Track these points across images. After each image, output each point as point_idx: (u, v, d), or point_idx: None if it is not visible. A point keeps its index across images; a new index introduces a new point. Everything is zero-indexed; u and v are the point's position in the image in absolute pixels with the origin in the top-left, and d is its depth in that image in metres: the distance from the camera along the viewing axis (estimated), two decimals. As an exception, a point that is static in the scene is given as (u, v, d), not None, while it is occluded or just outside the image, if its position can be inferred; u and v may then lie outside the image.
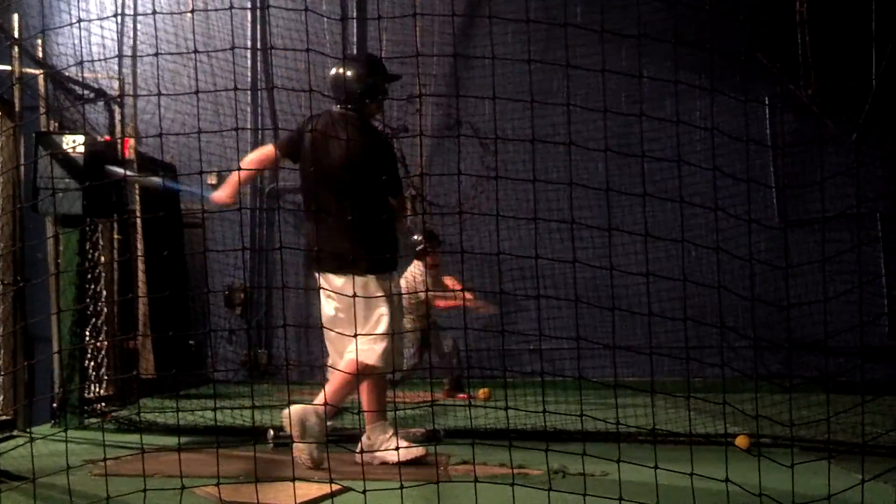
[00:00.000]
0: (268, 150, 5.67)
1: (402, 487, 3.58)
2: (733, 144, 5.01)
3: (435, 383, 9.55)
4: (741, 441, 5.52)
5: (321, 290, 5.27)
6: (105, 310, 7.88)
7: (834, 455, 4.69)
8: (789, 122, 10.50)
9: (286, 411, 5.00)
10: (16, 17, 6.71)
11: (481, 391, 8.89)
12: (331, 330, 5.25)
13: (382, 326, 5.26)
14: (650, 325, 4.70)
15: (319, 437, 4.99)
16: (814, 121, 9.30)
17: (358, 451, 5.13)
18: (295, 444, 4.87)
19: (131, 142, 8.29)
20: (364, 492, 3.59)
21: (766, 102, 10.56)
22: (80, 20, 9.27)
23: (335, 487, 4.18)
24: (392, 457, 4.95)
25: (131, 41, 11.44)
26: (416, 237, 9.58)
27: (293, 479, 3.86)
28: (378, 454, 5.14)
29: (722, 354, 7.14)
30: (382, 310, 5.30)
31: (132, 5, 11.23)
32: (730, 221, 4.69)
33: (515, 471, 4.42)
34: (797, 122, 10.32)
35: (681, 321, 4.42)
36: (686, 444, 4.71)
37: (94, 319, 7.79)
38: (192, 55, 4.64)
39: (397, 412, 6.74)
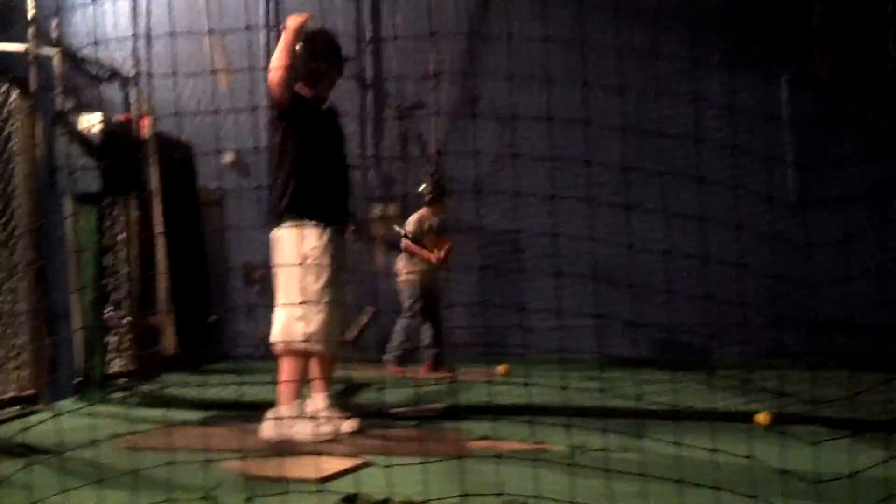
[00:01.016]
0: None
1: (424, 462, 3.61)
2: (750, 122, 5.00)
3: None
4: (762, 418, 5.52)
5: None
6: (125, 287, 7.92)
7: (857, 433, 4.70)
8: (807, 101, 10.45)
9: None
10: (30, -4, 6.72)
11: (501, 367, 8.91)
12: None
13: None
14: (669, 303, 4.73)
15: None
16: (832, 99, 9.26)
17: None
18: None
19: (148, 120, 8.30)
20: (387, 466, 3.62)
21: (784, 80, 10.51)
22: (94, 0, 9.28)
23: (358, 462, 4.21)
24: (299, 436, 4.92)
25: (145, 21, 11.45)
26: (423, 186, 9.68)
27: (317, 454, 3.90)
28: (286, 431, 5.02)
29: (744, 332, 7.13)
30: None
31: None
32: (749, 200, 4.70)
33: (536, 446, 4.44)
34: (815, 100, 10.26)
35: (701, 299, 4.44)
36: (707, 421, 4.72)
37: (114, 296, 7.83)
38: (206, 34, 4.64)
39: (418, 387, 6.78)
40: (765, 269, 4.72)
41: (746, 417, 5.37)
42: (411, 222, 9.52)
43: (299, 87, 5.44)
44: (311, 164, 5.26)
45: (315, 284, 5.06)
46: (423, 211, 9.56)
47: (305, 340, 5.00)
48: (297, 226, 5.15)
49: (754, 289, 6.66)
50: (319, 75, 5.47)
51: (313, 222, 5.15)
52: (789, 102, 10.49)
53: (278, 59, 5.18)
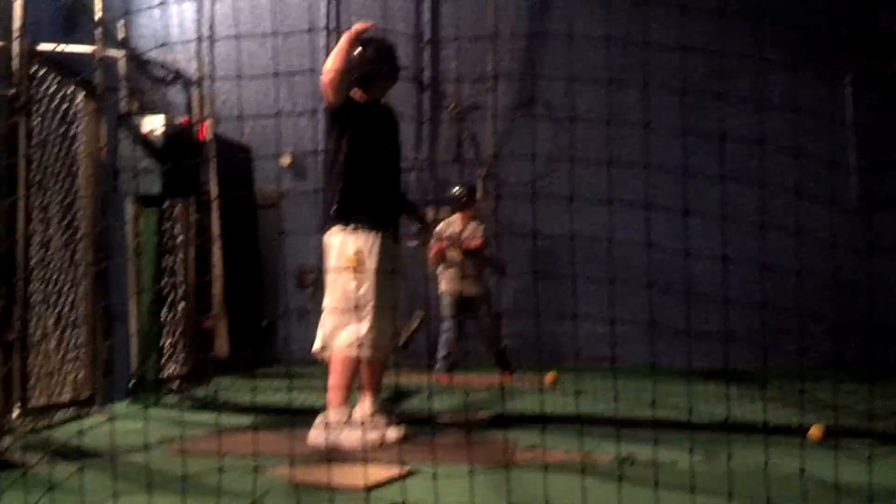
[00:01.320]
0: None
1: (470, 471, 3.59)
2: (814, 124, 4.89)
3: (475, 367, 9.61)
4: (815, 432, 5.40)
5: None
6: (181, 290, 8.01)
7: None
8: (872, 101, 10.21)
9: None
10: (98, -1, 6.81)
11: (549, 375, 8.86)
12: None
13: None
14: (725, 311, 4.64)
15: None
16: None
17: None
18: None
19: (209, 123, 8.39)
20: (434, 475, 3.61)
21: (849, 81, 10.29)
22: (161, 2, 9.40)
23: (404, 470, 4.20)
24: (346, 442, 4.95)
25: (209, 23, 11.57)
26: (456, 189, 9.69)
27: (365, 462, 3.90)
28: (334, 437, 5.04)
29: (800, 342, 6.99)
30: None
31: (211, -13, 11.36)
32: (809, 204, 4.59)
33: (584, 457, 4.39)
34: (881, 100, 10.03)
35: (758, 306, 4.35)
36: (760, 433, 4.63)
37: (170, 298, 7.92)
38: (269, 37, 4.68)
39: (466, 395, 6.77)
40: (824, 276, 4.62)
41: (800, 430, 5.26)
42: (439, 228, 9.54)
43: (353, 92, 5.46)
44: (362, 168, 5.28)
45: (360, 290, 5.07)
46: (456, 216, 9.57)
47: (350, 347, 5.03)
48: (345, 231, 5.18)
49: (813, 296, 6.53)
50: (373, 79, 5.49)
51: (362, 227, 5.17)
52: (853, 104, 10.27)
53: (332, 63, 5.21)
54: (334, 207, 5.24)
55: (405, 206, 5.81)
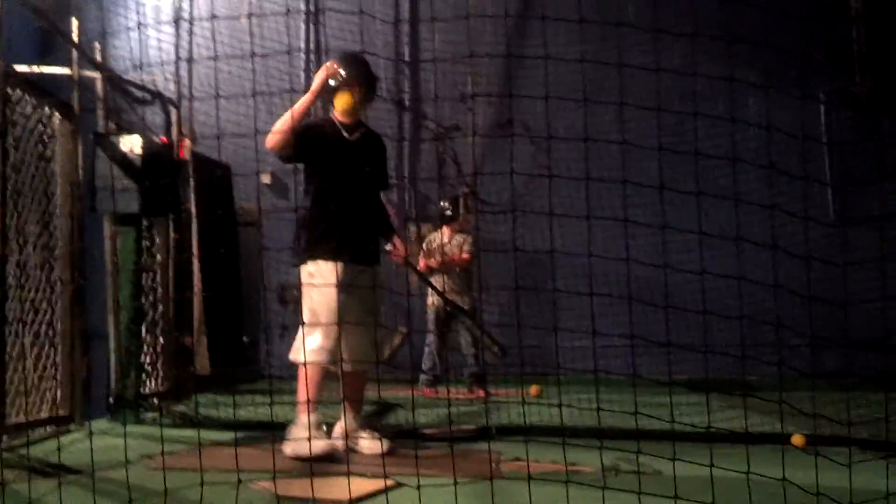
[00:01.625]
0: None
1: (455, 483, 3.59)
2: (788, 141, 4.95)
3: (461, 381, 9.62)
4: (797, 440, 5.45)
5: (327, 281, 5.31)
6: (160, 307, 7.98)
7: (892, 454, 4.62)
8: (845, 119, 10.36)
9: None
10: (75, 21, 6.81)
11: (533, 387, 8.88)
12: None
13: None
14: (705, 323, 4.67)
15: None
16: (870, 117, 9.16)
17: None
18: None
19: (187, 143, 8.39)
20: (418, 487, 3.60)
21: (822, 99, 10.43)
22: (139, 24, 9.41)
23: (389, 483, 4.20)
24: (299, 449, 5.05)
25: (187, 44, 11.59)
26: (443, 203, 9.76)
27: (348, 474, 3.89)
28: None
29: (779, 353, 7.03)
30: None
31: (188, 9, 11.38)
32: (786, 219, 4.65)
33: (568, 468, 4.40)
34: (853, 118, 10.17)
35: (736, 319, 4.38)
36: (742, 442, 4.66)
37: (149, 316, 7.88)
38: (247, 57, 4.71)
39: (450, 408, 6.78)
40: (801, 289, 4.67)
41: (780, 439, 5.31)
42: (427, 240, 9.65)
43: (333, 114, 5.55)
44: (329, 201, 5.41)
45: (325, 317, 5.25)
46: (443, 230, 9.64)
47: (310, 354, 5.20)
48: (312, 264, 5.40)
49: (790, 309, 6.57)
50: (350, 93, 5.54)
51: (327, 262, 5.35)
52: (827, 120, 10.41)
53: (280, 124, 5.32)
54: (302, 242, 5.50)
55: (383, 229, 5.82)
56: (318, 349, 5.27)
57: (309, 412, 5.27)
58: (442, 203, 9.88)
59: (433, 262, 9.42)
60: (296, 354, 5.30)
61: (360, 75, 5.64)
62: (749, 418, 5.75)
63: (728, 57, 4.54)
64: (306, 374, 5.31)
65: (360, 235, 5.47)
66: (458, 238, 9.56)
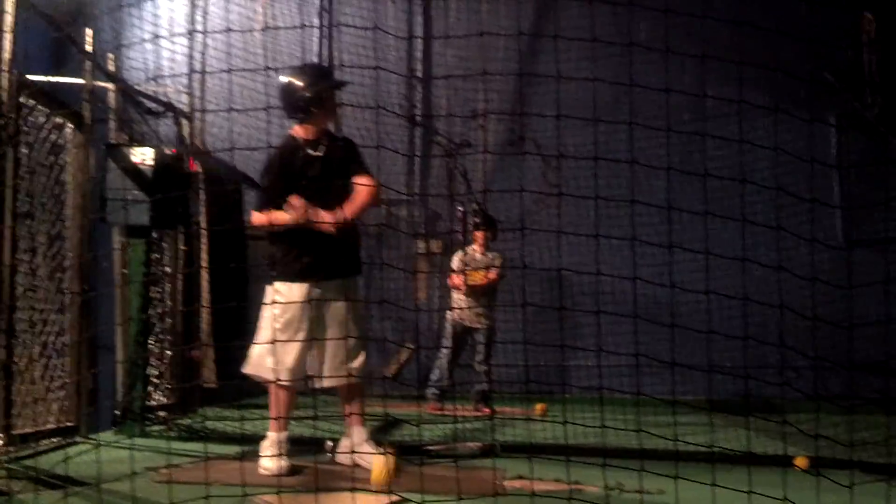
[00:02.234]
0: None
1: (459, 500, 3.60)
2: (797, 164, 4.95)
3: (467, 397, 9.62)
4: (801, 462, 5.44)
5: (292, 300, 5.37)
6: (169, 320, 8.00)
7: (894, 477, 4.61)
8: (855, 142, 10.36)
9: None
10: (89, 32, 6.86)
11: (538, 406, 8.88)
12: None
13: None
14: (709, 344, 4.68)
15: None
16: (880, 140, 9.16)
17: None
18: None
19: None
20: (422, 503, 3.62)
21: (832, 122, 10.43)
22: (155, 36, 9.47)
23: (393, 499, 4.21)
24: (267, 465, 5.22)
25: (201, 56, 11.64)
26: (472, 218, 9.76)
27: (352, 490, 3.90)
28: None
29: (782, 374, 7.05)
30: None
31: (202, 21, 11.43)
32: (793, 241, 4.66)
33: (572, 486, 4.41)
34: (863, 141, 10.17)
35: (741, 340, 4.39)
36: (744, 463, 4.66)
37: (157, 329, 7.92)
38: (261, 70, 4.74)
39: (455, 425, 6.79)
40: (806, 311, 4.67)
41: (783, 460, 5.30)
42: (456, 259, 9.59)
43: (294, 130, 5.54)
44: (289, 231, 5.44)
45: (283, 337, 5.29)
46: (471, 248, 9.62)
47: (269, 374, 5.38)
48: (278, 284, 5.47)
49: (795, 331, 6.59)
50: (313, 111, 5.52)
51: (291, 283, 5.42)
52: (837, 143, 10.41)
53: (258, 219, 5.53)
54: (268, 263, 5.59)
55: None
56: (279, 368, 5.33)
57: (276, 430, 5.41)
58: (470, 217, 9.86)
59: (468, 281, 9.38)
60: (246, 366, 5.54)
61: (328, 103, 5.63)
62: (752, 439, 5.75)
63: (738, 78, 4.56)
64: (273, 393, 5.48)
65: (328, 251, 5.45)
66: (488, 256, 9.51)
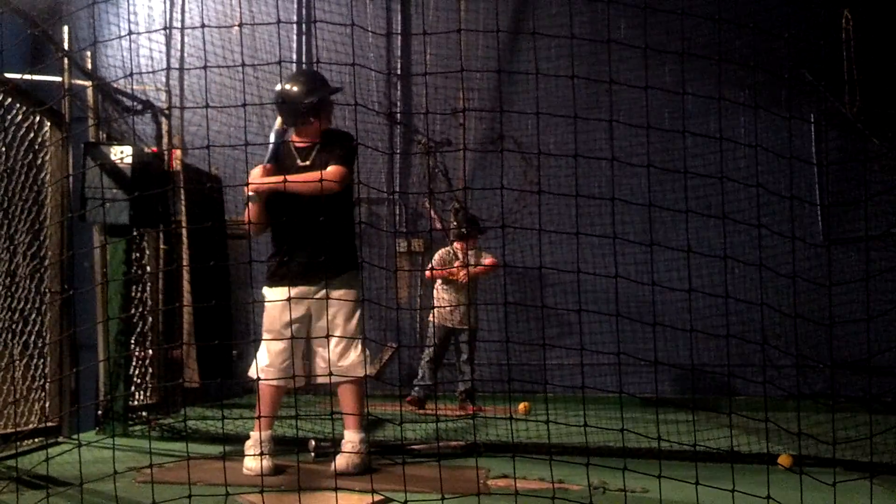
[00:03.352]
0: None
1: (442, 500, 3.60)
2: (777, 161, 4.98)
3: (449, 396, 9.66)
4: (784, 460, 5.48)
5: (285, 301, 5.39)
6: (150, 319, 7.97)
7: (876, 475, 4.65)
8: (834, 140, 10.43)
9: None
10: (66, 28, 6.81)
11: (521, 405, 8.91)
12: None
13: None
14: (692, 342, 4.70)
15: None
16: (859, 138, 9.23)
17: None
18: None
19: (178, 153, 8.38)
20: (405, 503, 3.61)
21: (811, 120, 10.51)
22: (129, 33, 9.40)
23: (376, 498, 4.21)
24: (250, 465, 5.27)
25: (179, 53, 11.59)
26: (453, 222, 9.76)
27: (335, 490, 3.90)
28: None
29: (764, 372, 7.08)
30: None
31: (180, 19, 11.38)
32: (773, 239, 4.68)
33: (555, 485, 4.42)
34: (842, 139, 10.24)
35: (723, 338, 4.41)
36: (728, 461, 4.69)
37: (139, 328, 7.89)
38: (239, 68, 4.72)
39: (438, 424, 6.79)
40: (787, 309, 4.70)
41: (766, 459, 5.33)
42: (437, 256, 9.61)
43: (292, 136, 5.57)
44: (281, 228, 5.55)
45: (269, 339, 5.50)
46: (455, 245, 9.62)
47: (261, 374, 5.45)
48: (266, 290, 5.60)
49: (777, 328, 6.66)
50: (310, 119, 5.54)
51: (276, 288, 5.49)
52: (817, 141, 10.49)
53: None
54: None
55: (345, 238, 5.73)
56: (264, 367, 5.46)
57: (260, 429, 5.41)
58: (453, 222, 9.86)
59: (458, 275, 9.40)
60: (250, 371, 5.58)
61: (325, 111, 5.65)
62: (735, 437, 5.78)
63: (718, 76, 4.58)
64: (258, 392, 5.51)
65: (306, 254, 5.47)
66: (472, 253, 9.53)
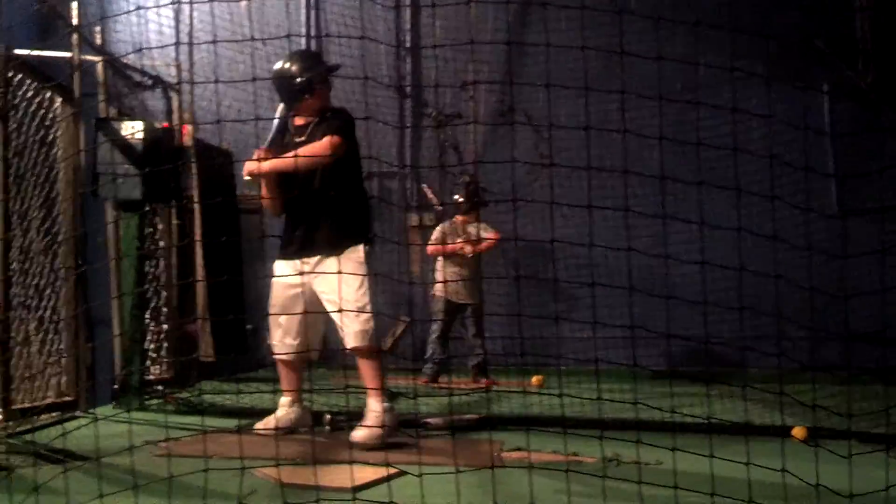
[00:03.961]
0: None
1: (457, 472, 3.61)
2: (791, 133, 4.95)
3: (463, 370, 9.69)
4: (798, 432, 5.48)
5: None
6: (164, 293, 8.00)
7: (892, 447, 4.65)
8: (848, 111, 10.36)
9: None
10: (75, 4, 6.79)
11: (535, 378, 8.93)
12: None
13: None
14: (705, 315, 4.68)
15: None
16: (873, 109, 9.18)
17: None
18: None
19: (189, 128, 8.37)
20: (420, 475, 3.63)
21: (825, 90, 10.44)
22: (138, 8, 9.38)
23: (391, 471, 4.23)
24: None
25: (188, 28, 11.56)
26: (457, 197, 9.75)
27: (350, 462, 3.92)
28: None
29: (779, 344, 7.07)
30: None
31: (189, -6, 11.34)
32: (787, 210, 4.66)
33: (569, 458, 4.44)
34: (856, 110, 10.18)
35: (737, 311, 4.40)
36: (742, 434, 4.70)
37: (153, 303, 7.91)
38: (248, 42, 4.71)
39: (451, 398, 6.80)
40: (802, 281, 4.69)
41: (780, 431, 5.34)
42: (437, 230, 9.62)
43: (294, 120, 5.61)
44: (286, 205, 5.76)
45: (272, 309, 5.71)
46: (456, 219, 9.62)
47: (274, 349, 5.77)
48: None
49: (791, 301, 6.61)
50: (306, 98, 5.56)
51: (278, 261, 5.74)
52: (831, 112, 10.43)
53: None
54: None
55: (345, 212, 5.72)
56: (272, 343, 5.81)
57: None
58: (456, 196, 9.85)
59: (462, 248, 9.40)
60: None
61: (320, 89, 5.68)
62: (749, 410, 5.79)
63: (731, 47, 4.55)
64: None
65: (307, 227, 5.59)
66: (474, 227, 9.53)
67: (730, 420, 5.50)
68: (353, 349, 5.42)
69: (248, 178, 5.63)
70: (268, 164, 5.47)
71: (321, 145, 5.37)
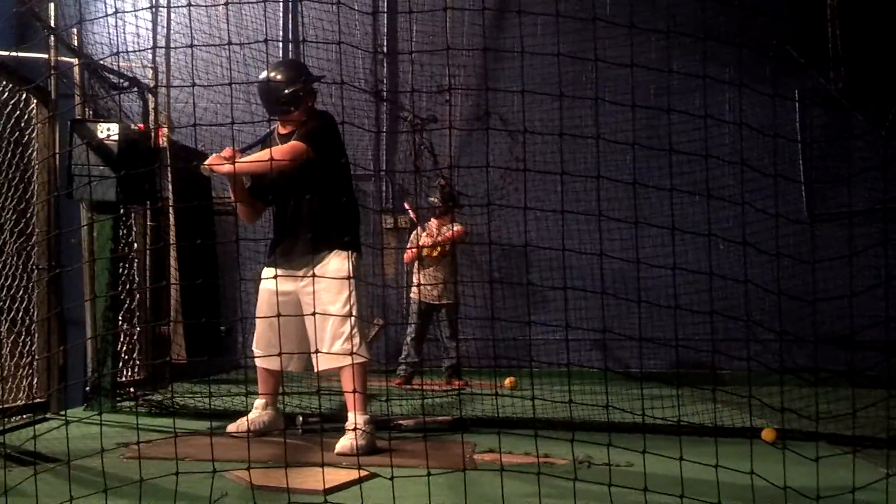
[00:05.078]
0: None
1: (429, 474, 3.63)
2: (762, 138, 4.99)
3: (436, 372, 9.71)
4: (767, 434, 5.53)
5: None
6: (138, 295, 7.98)
7: (859, 449, 4.70)
8: (819, 116, 10.47)
9: None
10: (52, 6, 6.78)
11: (508, 380, 8.95)
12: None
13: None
14: (676, 318, 4.73)
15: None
16: (843, 115, 9.26)
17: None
18: None
19: (165, 130, 8.35)
20: (391, 478, 3.64)
21: (796, 96, 10.53)
22: (115, 11, 9.36)
23: (363, 473, 4.24)
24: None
25: (165, 31, 11.52)
26: (432, 199, 9.78)
27: (322, 465, 3.93)
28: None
29: (748, 348, 7.12)
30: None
31: (167, -5, 11.30)
32: (757, 215, 4.71)
33: (541, 460, 4.46)
34: (827, 115, 10.28)
35: (707, 314, 4.44)
36: (711, 436, 4.74)
37: (126, 304, 7.88)
38: (226, 46, 4.72)
39: (424, 400, 6.82)
40: (772, 285, 4.74)
41: (750, 433, 5.39)
42: (412, 236, 9.68)
43: (279, 127, 5.69)
44: (274, 213, 5.81)
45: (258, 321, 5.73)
46: (431, 222, 9.66)
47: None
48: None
49: (761, 304, 6.71)
50: (291, 109, 5.59)
51: (266, 269, 5.69)
52: (801, 118, 10.53)
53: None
54: None
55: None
56: (253, 347, 5.83)
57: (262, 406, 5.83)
58: (431, 198, 9.87)
59: (429, 252, 9.44)
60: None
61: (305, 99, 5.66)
62: (719, 412, 5.83)
63: (703, 53, 4.59)
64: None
65: (288, 234, 5.52)
66: (447, 229, 9.58)
67: (700, 422, 5.54)
68: (336, 369, 5.35)
69: (205, 171, 5.50)
70: (227, 167, 5.28)
71: (281, 150, 5.33)
